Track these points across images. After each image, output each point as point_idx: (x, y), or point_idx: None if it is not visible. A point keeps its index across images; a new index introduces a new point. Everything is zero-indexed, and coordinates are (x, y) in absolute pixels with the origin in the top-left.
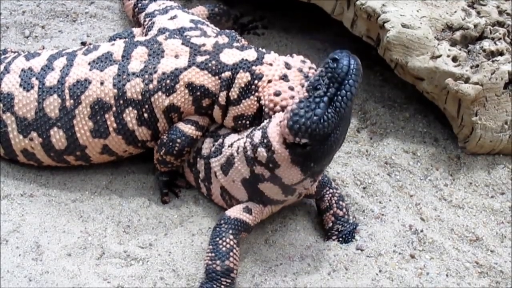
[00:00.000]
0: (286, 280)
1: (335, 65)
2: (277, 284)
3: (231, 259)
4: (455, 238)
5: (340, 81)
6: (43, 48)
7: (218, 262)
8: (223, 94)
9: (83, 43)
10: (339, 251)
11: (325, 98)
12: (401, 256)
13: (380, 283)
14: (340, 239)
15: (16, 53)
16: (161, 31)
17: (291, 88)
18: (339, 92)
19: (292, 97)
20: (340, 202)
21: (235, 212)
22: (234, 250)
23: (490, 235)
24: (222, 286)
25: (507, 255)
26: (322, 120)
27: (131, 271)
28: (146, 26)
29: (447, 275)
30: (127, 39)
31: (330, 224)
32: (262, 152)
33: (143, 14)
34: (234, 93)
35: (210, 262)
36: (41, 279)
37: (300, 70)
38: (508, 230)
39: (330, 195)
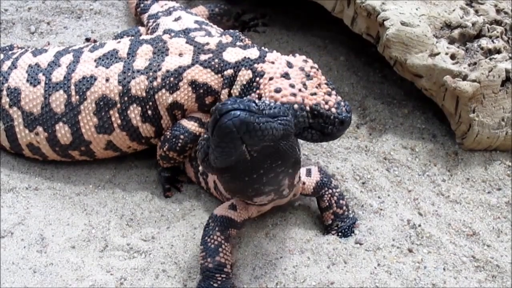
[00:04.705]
0: (286, 273)
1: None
2: (277, 277)
3: (221, 254)
4: (452, 233)
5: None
6: (49, 44)
7: (209, 259)
8: (225, 92)
9: (88, 39)
10: (338, 245)
11: (204, 142)
12: (399, 250)
13: (378, 277)
14: (340, 233)
15: (23, 49)
16: (166, 32)
17: (292, 86)
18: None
19: (293, 95)
20: (340, 201)
21: (221, 210)
22: (223, 246)
23: (487, 230)
24: (219, 282)
25: (503, 250)
26: (206, 159)
27: (133, 263)
28: (150, 28)
29: (444, 269)
30: (133, 37)
31: (330, 222)
32: None
33: (146, 15)
34: (236, 90)
35: (202, 261)
36: (45, 270)
37: (302, 69)
38: (504, 225)
39: (330, 195)
